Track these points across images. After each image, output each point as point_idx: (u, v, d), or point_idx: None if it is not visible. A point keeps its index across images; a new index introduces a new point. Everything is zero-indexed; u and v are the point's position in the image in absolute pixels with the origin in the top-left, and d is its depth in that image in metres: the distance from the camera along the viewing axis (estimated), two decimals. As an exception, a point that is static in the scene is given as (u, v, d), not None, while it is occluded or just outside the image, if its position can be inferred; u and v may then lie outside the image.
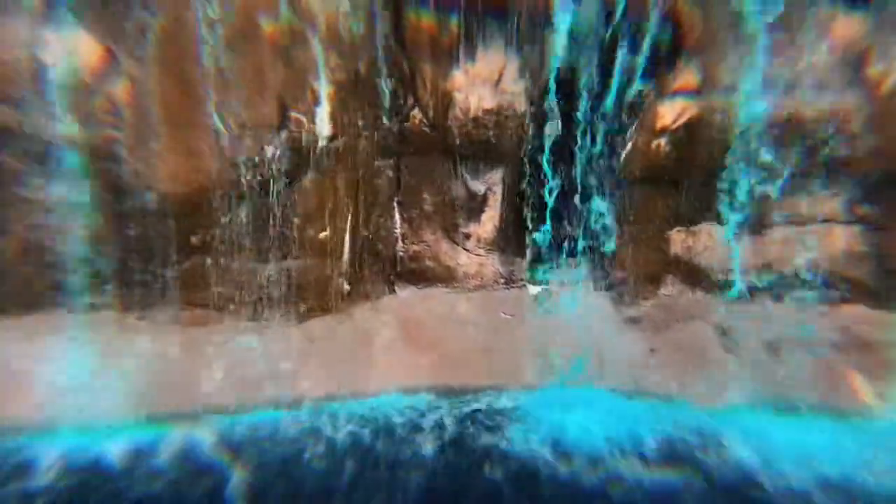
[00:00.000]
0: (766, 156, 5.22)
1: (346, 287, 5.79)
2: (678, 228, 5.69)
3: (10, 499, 3.77)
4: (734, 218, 5.41)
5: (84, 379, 4.73)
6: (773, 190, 5.28)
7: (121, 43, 4.78)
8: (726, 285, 5.46)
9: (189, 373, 5.00)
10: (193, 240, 5.27)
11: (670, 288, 5.73)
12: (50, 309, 4.99)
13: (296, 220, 5.48)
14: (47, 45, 4.68)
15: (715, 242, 5.53)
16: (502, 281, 6.10)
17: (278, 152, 5.27)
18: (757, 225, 5.39)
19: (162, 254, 5.22)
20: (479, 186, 5.91)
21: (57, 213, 4.92)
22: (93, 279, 5.10)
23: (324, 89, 5.23)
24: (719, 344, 5.35)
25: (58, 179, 4.86)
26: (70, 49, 4.70)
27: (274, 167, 5.28)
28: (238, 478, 4.02)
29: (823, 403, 4.82)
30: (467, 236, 6.04)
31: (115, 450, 4.21)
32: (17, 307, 4.96)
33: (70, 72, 4.73)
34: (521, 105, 5.54)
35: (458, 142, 5.69)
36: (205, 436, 4.43)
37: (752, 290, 5.36)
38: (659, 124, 5.40)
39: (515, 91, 5.51)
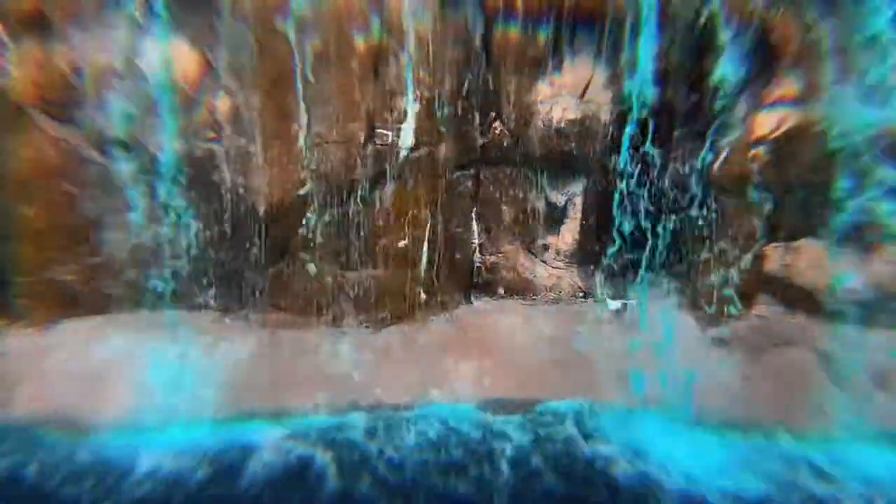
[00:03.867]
0: (875, 168, 4.82)
1: (423, 296, 5.84)
2: (775, 244, 5.36)
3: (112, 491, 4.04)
4: (839, 235, 5.03)
5: (181, 377, 5.01)
6: (883, 204, 4.86)
7: (219, 55, 4.94)
8: (830, 308, 5.08)
9: (273, 374, 5.19)
10: (280, 247, 5.50)
11: (766, 308, 5.40)
12: (152, 309, 5.35)
13: (376, 230, 5.58)
14: (149, 57, 4.83)
15: (817, 261, 5.16)
16: (581, 294, 5.98)
17: (363, 165, 5.38)
18: (865, 242, 4.99)
19: (253, 259, 5.48)
20: (559, 198, 5.81)
21: (161, 220, 5.23)
22: (194, 282, 5.43)
23: (411, 106, 5.28)
24: (822, 372, 4.99)
25: (162, 188, 5.16)
26: (171, 60, 4.85)
27: (357, 179, 5.41)
28: (324, 473, 4.24)
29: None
30: (546, 248, 5.96)
31: (207, 446, 4.44)
32: (122, 307, 5.35)
33: (172, 84, 4.90)
34: (607, 114, 5.39)
35: (538, 153, 5.61)
36: (287, 435, 4.61)
37: (859, 314, 4.96)
38: (756, 134, 5.11)
39: (601, 101, 5.37)
